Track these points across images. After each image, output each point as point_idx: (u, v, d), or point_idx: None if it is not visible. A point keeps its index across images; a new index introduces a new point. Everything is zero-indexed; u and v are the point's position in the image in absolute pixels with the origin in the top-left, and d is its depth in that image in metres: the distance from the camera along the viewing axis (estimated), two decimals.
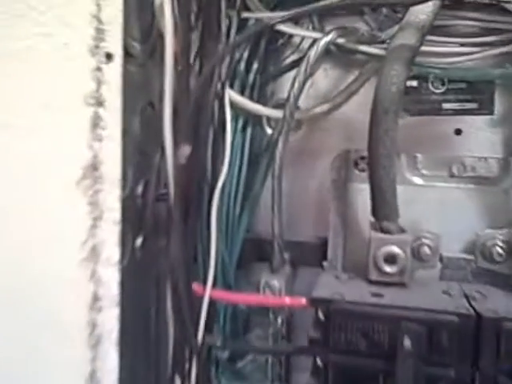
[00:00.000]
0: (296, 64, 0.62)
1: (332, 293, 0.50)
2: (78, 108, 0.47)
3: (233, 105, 0.56)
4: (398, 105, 0.49)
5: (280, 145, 0.53)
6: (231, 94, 0.55)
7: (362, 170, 0.60)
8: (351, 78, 0.61)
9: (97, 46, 0.47)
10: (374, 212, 0.53)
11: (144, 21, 0.56)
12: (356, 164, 0.60)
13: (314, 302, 0.49)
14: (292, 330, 0.61)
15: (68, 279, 0.49)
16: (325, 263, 0.60)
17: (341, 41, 0.51)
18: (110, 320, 0.49)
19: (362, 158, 0.60)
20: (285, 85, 0.62)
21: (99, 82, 0.48)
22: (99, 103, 0.48)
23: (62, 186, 0.48)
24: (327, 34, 0.48)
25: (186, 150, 0.47)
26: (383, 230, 0.53)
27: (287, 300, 0.53)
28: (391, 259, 0.52)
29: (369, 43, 0.52)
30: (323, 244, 0.61)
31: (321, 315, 0.49)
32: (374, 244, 0.52)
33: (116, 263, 0.49)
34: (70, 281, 0.49)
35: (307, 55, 0.53)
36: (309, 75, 0.54)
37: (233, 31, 0.53)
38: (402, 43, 0.49)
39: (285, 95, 0.61)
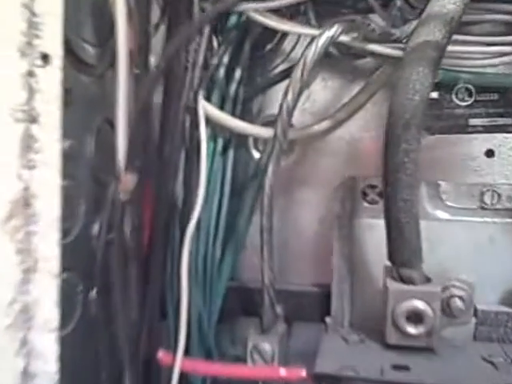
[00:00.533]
0: (287, 74, 0.51)
1: (341, 365, 0.38)
2: (2, 124, 0.36)
3: (210, 121, 0.45)
4: (421, 118, 0.38)
5: (270, 172, 0.41)
6: (207, 108, 0.44)
7: (372, 202, 0.48)
8: (356, 89, 0.49)
9: (29, 44, 0.36)
10: (392, 256, 0.41)
11: (100, 19, 0.45)
12: (364, 194, 0.49)
13: (319, 379, 0.37)
14: None
15: None
16: (328, 319, 0.48)
17: (345, 38, 0.39)
18: None
19: (372, 186, 0.48)
20: (274, 99, 0.52)
21: (32, 91, 0.36)
22: (32, 119, 0.36)
23: None
24: (329, 28, 0.37)
25: (129, 180, 0.35)
26: (403, 279, 0.42)
27: (283, 372, 0.41)
28: (416, 318, 0.41)
29: (380, 42, 0.41)
30: (325, 294, 0.50)
31: None
32: (393, 298, 0.41)
33: (54, 329, 0.37)
34: None
35: (303, 57, 0.41)
36: (305, 83, 0.42)
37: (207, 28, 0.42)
38: (426, 40, 0.38)
39: (274, 111, 0.50)
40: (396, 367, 0.38)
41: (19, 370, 0.37)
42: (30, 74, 0.36)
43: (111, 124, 0.49)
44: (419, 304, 0.40)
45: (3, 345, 0.36)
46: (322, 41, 0.38)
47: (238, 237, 0.50)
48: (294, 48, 0.51)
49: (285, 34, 0.51)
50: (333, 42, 0.38)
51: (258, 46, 0.51)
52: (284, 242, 0.51)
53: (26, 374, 0.37)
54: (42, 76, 0.36)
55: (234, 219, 0.50)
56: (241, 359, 0.52)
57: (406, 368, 0.38)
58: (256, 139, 0.52)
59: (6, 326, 0.36)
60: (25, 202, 0.36)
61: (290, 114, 0.42)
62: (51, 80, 0.36)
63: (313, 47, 0.38)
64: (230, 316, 0.52)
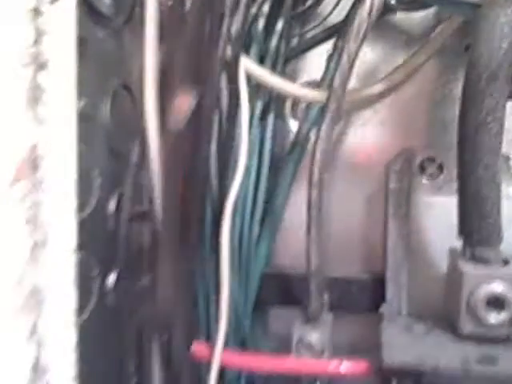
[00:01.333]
0: (324, 38, 0.45)
1: (415, 356, 0.32)
2: (5, 70, 0.29)
3: (248, 80, 0.38)
4: (510, 69, 0.32)
5: (322, 142, 0.35)
6: (247, 64, 0.37)
7: (432, 177, 0.42)
8: (412, 48, 0.43)
9: None
10: (466, 233, 0.35)
11: None
12: (422, 168, 0.42)
13: (392, 372, 0.31)
14: None
15: None
16: (383, 307, 0.42)
17: None
18: None
19: (431, 159, 0.42)
20: (310, 63, 0.45)
21: (39, 32, 0.30)
22: (39, 65, 0.30)
23: None
24: None
25: (184, 103, 0.29)
26: (478, 260, 0.35)
27: (344, 367, 0.34)
28: (497, 303, 0.34)
29: None
30: (376, 281, 0.44)
31: None
32: (469, 281, 0.35)
33: (70, 315, 0.31)
34: None
35: (358, 15, 0.35)
36: (362, 43, 0.36)
37: None
38: None
39: (311, 77, 0.44)
40: (481, 359, 0.32)
41: (30, 361, 0.31)
42: (36, 11, 0.30)
43: (129, 90, 0.43)
44: (501, 288, 0.34)
45: (10, 332, 0.30)
46: None
47: (276, 216, 0.44)
48: (332, 11, 0.45)
49: None
50: None
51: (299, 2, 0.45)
52: (328, 222, 0.45)
53: (38, 368, 0.31)
54: (50, 14, 0.30)
55: (270, 196, 0.44)
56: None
57: (492, 362, 0.32)
58: (295, 106, 0.46)
59: (14, 309, 0.30)
60: (33, 163, 0.30)
61: (345, 83, 0.36)
62: (62, 19, 0.30)
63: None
64: (263, 305, 0.46)
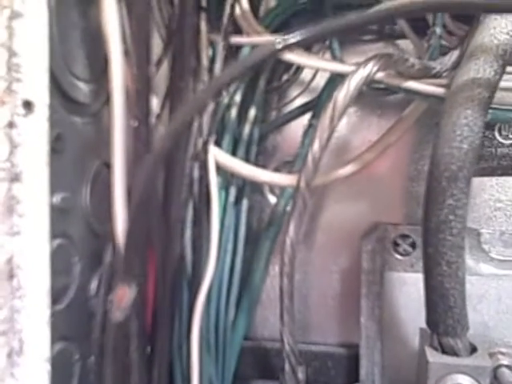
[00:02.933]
0: (307, 108, 0.46)
1: None
2: None
3: (221, 169, 0.39)
4: (471, 169, 0.33)
5: (292, 227, 0.36)
6: (218, 156, 0.38)
7: (404, 254, 0.43)
8: (384, 124, 0.44)
9: (9, 90, 0.31)
10: (432, 323, 0.36)
11: (91, 50, 0.40)
12: (396, 245, 0.43)
13: None
14: None
15: None
16: None
17: (381, 75, 0.34)
18: None
19: (404, 236, 0.43)
20: (291, 136, 0.46)
21: (13, 145, 0.31)
22: (13, 177, 0.31)
23: None
24: (364, 64, 0.31)
25: (125, 295, 0.30)
26: (445, 350, 0.36)
27: None
28: None
29: (418, 78, 0.35)
30: (351, 356, 0.44)
31: None
32: (435, 372, 0.35)
33: None
34: None
35: (333, 99, 0.35)
36: (334, 129, 0.37)
37: (218, 64, 0.36)
38: (475, 77, 0.32)
39: (292, 150, 0.45)
40: None
41: None
42: (10, 125, 0.31)
43: (109, 166, 0.44)
44: (466, 381, 0.35)
45: None
46: (355, 81, 0.32)
47: (253, 291, 0.44)
48: (313, 77, 0.46)
49: None
50: (368, 82, 0.32)
51: (273, 78, 0.46)
52: (304, 296, 0.45)
53: None
54: (24, 127, 0.31)
55: (247, 272, 0.44)
56: None
57: None
58: None
59: None
60: (9, 273, 0.31)
61: (316, 165, 0.37)
62: (36, 132, 0.31)
63: (344, 88, 0.32)
64: (242, 380, 0.46)
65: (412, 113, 0.42)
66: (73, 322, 0.38)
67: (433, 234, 0.33)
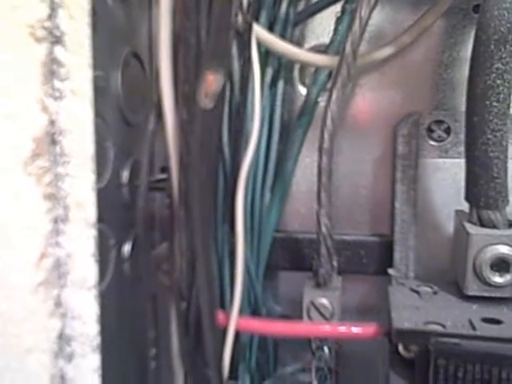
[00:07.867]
0: (332, 1, 0.45)
1: (422, 319, 0.33)
2: (20, 45, 0.30)
3: (258, 47, 0.38)
4: None
5: (333, 99, 0.35)
6: (257, 31, 0.37)
7: (439, 140, 0.43)
8: (419, 10, 0.43)
9: None
10: (473, 196, 0.36)
11: None
12: (430, 131, 0.43)
13: (401, 335, 0.33)
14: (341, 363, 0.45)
15: (19, 314, 0.31)
16: (391, 270, 0.43)
17: None
18: (86, 373, 0.32)
19: (438, 122, 0.43)
20: (318, 27, 0.45)
21: (54, 5, 0.30)
22: (55, 39, 0.30)
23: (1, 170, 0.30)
24: None
25: (213, 81, 0.29)
26: (484, 224, 0.36)
27: (354, 330, 0.36)
28: (502, 265, 0.35)
29: None
30: (384, 244, 0.44)
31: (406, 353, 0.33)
32: (475, 244, 0.35)
33: (92, 286, 0.32)
34: (23, 317, 0.31)
35: None
36: (374, 8, 0.36)
37: None
38: None
39: (319, 41, 0.44)
40: (486, 321, 0.33)
41: (54, 334, 0.32)
42: None
43: (139, 59, 0.44)
44: (506, 250, 0.35)
45: (35, 305, 0.31)
46: None
47: (285, 181, 0.44)
48: None
49: None
50: None
51: None
52: (336, 187, 0.45)
53: (62, 339, 0.32)
54: None
55: (280, 162, 0.44)
56: (285, 317, 0.47)
57: (497, 321, 0.33)
58: (302, 72, 0.46)
59: (38, 283, 0.31)
60: (51, 138, 0.31)
61: (356, 49, 0.36)
62: None
63: None
64: (273, 269, 0.47)
65: None
66: (107, 205, 0.38)
67: (479, 99, 0.33)
